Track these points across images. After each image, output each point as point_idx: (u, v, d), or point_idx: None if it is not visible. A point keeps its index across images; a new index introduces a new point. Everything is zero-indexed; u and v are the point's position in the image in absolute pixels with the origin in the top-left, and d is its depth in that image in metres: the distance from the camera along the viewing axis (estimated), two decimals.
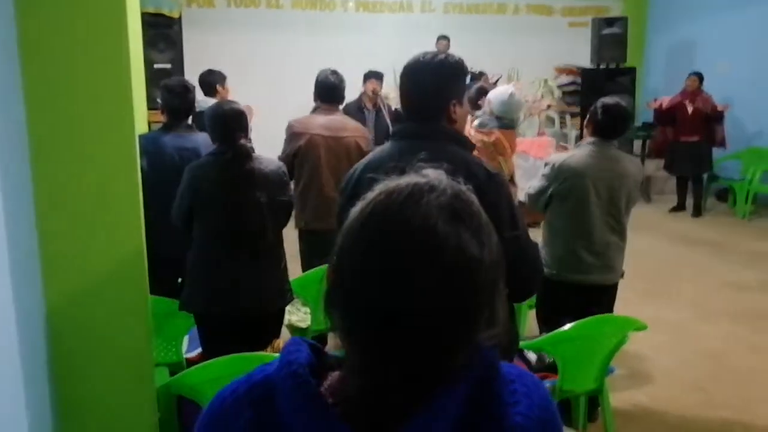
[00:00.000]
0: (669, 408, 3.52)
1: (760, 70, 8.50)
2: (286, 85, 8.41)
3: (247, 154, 2.82)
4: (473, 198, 0.79)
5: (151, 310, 2.36)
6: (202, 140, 3.27)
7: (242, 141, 2.83)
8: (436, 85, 1.90)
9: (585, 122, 3.34)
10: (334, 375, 0.81)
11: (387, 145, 1.97)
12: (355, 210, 0.79)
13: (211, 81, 5.34)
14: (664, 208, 8.44)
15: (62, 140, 1.93)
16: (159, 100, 3.52)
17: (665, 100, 8.32)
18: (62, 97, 1.92)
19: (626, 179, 3.18)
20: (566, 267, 3.21)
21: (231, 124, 2.83)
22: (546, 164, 3.29)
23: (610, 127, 3.17)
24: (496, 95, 4.49)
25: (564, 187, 3.15)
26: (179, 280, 3.18)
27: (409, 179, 0.78)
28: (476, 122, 4.55)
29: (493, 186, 1.80)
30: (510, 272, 1.89)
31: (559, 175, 3.16)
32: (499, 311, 0.80)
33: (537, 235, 2.87)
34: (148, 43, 8.21)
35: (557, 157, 3.26)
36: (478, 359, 0.78)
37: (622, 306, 4.66)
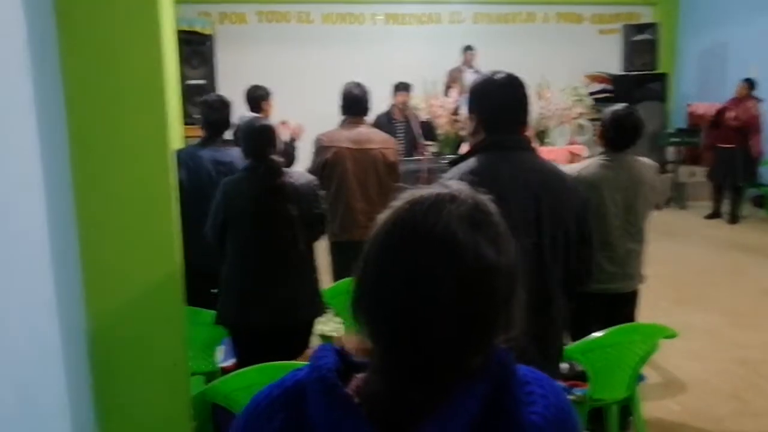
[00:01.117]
0: (703, 417, 3.48)
1: None
2: (318, 98, 8.52)
3: (278, 169, 2.89)
4: (492, 208, 0.85)
5: (186, 320, 2.43)
6: (238, 154, 3.36)
7: (274, 157, 2.91)
8: (523, 100, 2.12)
9: (598, 132, 3.32)
10: (359, 377, 0.86)
11: (490, 156, 2.05)
12: (381, 218, 0.85)
13: (258, 96, 5.45)
14: (699, 215, 8.34)
15: (101, 155, 2.01)
16: (198, 115, 3.63)
17: (699, 106, 8.23)
18: (101, 113, 1.99)
19: (642, 186, 3.14)
20: None
21: (262, 140, 2.90)
22: None
23: (620, 137, 3.13)
24: None
25: None
26: (214, 291, 3.27)
27: (432, 190, 0.84)
28: None
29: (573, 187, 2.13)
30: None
31: None
32: (516, 316, 0.84)
33: None
34: (182, 59, 8.44)
35: (571, 170, 3.23)
36: (495, 361, 0.82)
37: (655, 313, 4.63)
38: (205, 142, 3.57)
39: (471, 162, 2.05)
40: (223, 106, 3.57)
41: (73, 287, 1.99)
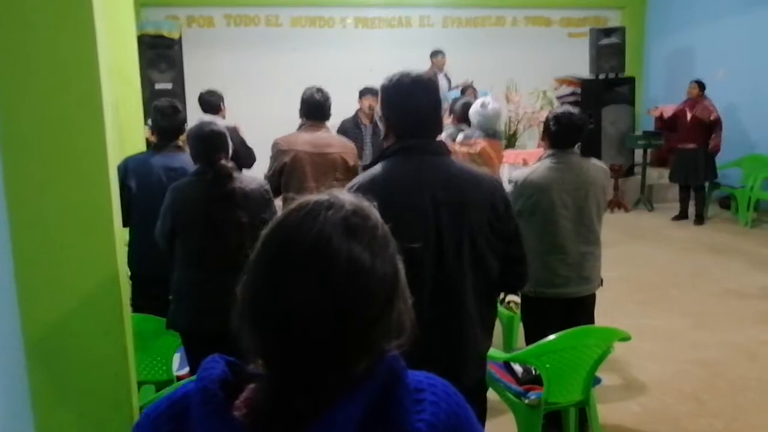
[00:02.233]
0: (661, 417, 3.50)
1: (759, 77, 8.50)
2: (287, 102, 8.50)
3: (228, 174, 2.85)
4: (372, 213, 0.86)
5: (133, 329, 2.38)
6: (190, 161, 3.32)
7: (224, 162, 2.86)
8: (437, 104, 2.07)
9: (541, 136, 3.33)
10: (250, 387, 0.85)
11: (399, 161, 1.99)
12: (266, 227, 0.86)
13: (214, 101, 5.41)
14: (666, 217, 8.42)
15: (35, 164, 1.96)
16: (149, 121, 3.58)
17: (667, 109, 8.31)
18: (34, 121, 1.95)
19: (592, 186, 3.13)
20: (542, 283, 3.13)
21: (211, 145, 2.86)
22: (510, 182, 3.28)
23: (563, 137, 3.14)
24: (473, 107, 4.57)
25: (530, 204, 3.10)
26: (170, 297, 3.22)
27: (313, 197, 0.85)
28: (460, 136, 4.59)
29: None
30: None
31: (523, 192, 3.11)
32: (404, 321, 0.85)
33: None
34: (149, 64, 8.36)
35: (519, 174, 3.22)
36: (382, 367, 0.82)
37: (619, 315, 4.68)
38: (157, 149, 3.52)
39: (375, 169, 2.00)
40: (174, 112, 3.51)
41: (6, 299, 1.93)
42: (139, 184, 3.35)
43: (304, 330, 0.78)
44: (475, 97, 7.99)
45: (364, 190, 1.91)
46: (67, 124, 1.99)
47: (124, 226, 3.30)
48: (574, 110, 3.21)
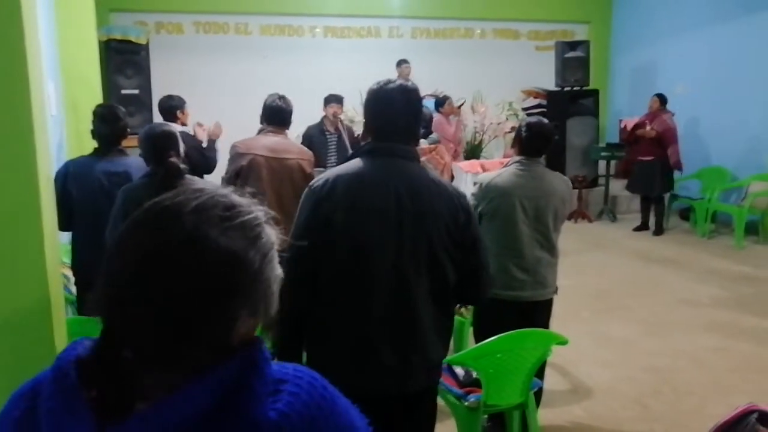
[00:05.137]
0: (604, 422, 3.57)
1: (718, 91, 8.71)
2: (255, 109, 8.51)
3: (178, 172, 2.86)
4: (237, 201, 0.88)
5: (73, 332, 2.37)
6: (135, 164, 3.32)
7: (173, 160, 2.88)
8: (418, 112, 2.15)
9: (512, 142, 3.43)
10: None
11: (368, 160, 2.06)
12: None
13: (171, 106, 5.40)
14: (628, 227, 8.57)
15: None
16: (91, 127, 3.54)
17: (630, 122, 8.48)
18: None
19: (553, 197, 3.24)
20: (499, 284, 3.24)
21: (161, 144, 2.89)
22: (475, 183, 3.36)
23: (534, 145, 3.25)
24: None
25: (492, 206, 3.22)
26: None
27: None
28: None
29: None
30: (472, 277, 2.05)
31: (487, 194, 3.23)
32: (268, 311, 0.87)
33: None
34: (116, 69, 8.33)
35: (485, 177, 3.33)
36: (238, 355, 0.83)
37: (575, 322, 4.76)
38: (99, 154, 3.49)
39: (342, 166, 2.08)
40: (115, 119, 3.49)
41: None
42: (80, 188, 3.32)
43: (139, 300, 0.79)
44: (453, 108, 8.12)
45: (330, 183, 2.00)
46: None
47: (67, 230, 3.31)
48: (546, 121, 3.34)
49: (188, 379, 0.79)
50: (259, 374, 0.84)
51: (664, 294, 5.90)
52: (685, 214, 8.89)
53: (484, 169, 6.65)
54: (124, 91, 8.32)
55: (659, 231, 8.21)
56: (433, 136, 5.02)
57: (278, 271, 0.89)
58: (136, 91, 8.45)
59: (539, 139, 3.25)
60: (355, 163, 2.07)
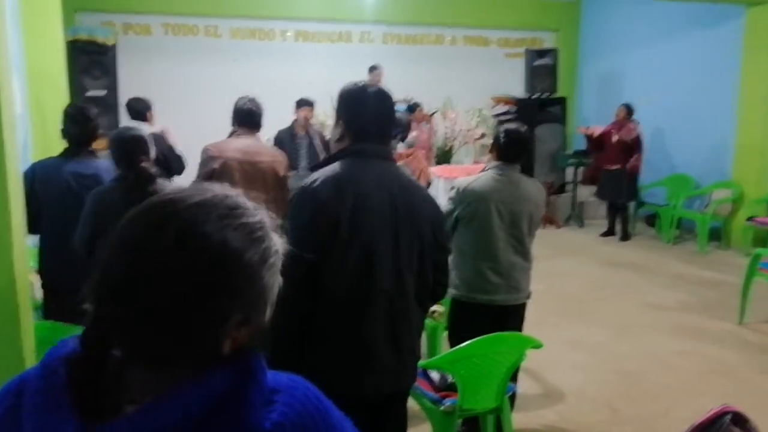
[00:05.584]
0: (577, 426, 3.60)
1: (681, 99, 8.89)
2: (224, 112, 8.43)
3: (150, 176, 2.82)
4: (243, 203, 0.86)
5: (39, 337, 2.32)
6: (104, 166, 3.25)
7: (145, 165, 2.84)
8: (393, 113, 2.21)
9: (489, 148, 3.45)
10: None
11: (355, 162, 2.06)
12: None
13: (141, 108, 5.33)
14: (595, 233, 8.68)
15: None
16: (60, 127, 3.45)
17: (596, 130, 8.60)
18: None
19: (527, 202, 3.27)
20: (474, 288, 3.27)
21: (132, 148, 2.84)
22: (452, 188, 3.38)
23: (511, 151, 3.28)
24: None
25: (468, 211, 3.23)
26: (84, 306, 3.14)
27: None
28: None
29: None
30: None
31: (464, 199, 3.24)
32: (260, 319, 0.84)
33: None
34: (82, 70, 8.19)
35: (462, 181, 3.35)
36: (234, 362, 0.81)
37: (545, 327, 4.80)
38: (68, 155, 3.39)
39: (334, 166, 2.06)
40: (85, 119, 3.40)
41: None
42: (48, 190, 3.22)
43: (134, 294, 0.77)
44: (425, 115, 8.16)
45: (328, 185, 1.99)
46: None
47: (34, 233, 3.22)
48: (523, 127, 3.37)
49: (177, 383, 0.77)
50: (255, 383, 0.82)
51: (632, 298, 5.99)
52: (651, 220, 9.05)
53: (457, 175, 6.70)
54: (90, 93, 8.19)
55: (626, 237, 8.35)
56: (410, 140, 5.06)
57: (279, 280, 0.87)
58: (102, 93, 8.32)
59: (517, 146, 3.28)
60: (348, 164, 2.06)
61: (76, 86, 7.84)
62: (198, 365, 0.79)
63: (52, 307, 3.21)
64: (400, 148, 5.05)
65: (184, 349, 0.79)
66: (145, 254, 0.78)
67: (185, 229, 0.79)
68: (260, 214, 0.87)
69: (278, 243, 0.87)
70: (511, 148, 3.29)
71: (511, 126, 3.36)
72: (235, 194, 0.87)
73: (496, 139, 3.35)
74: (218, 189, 0.86)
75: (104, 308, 0.79)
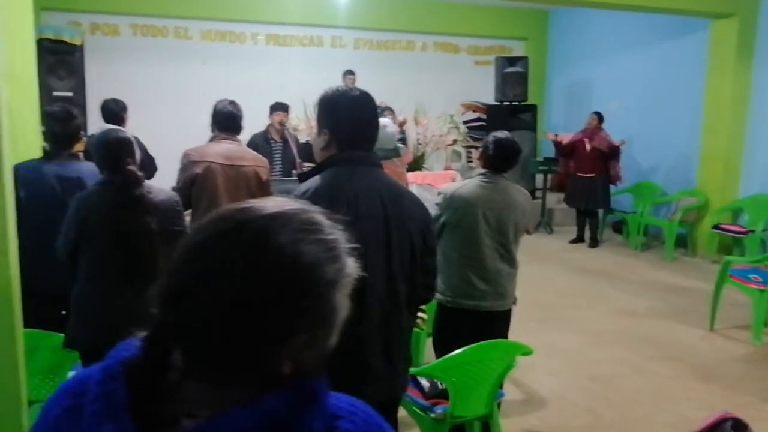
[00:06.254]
0: (559, 431, 3.63)
1: (648, 109, 9.08)
2: (194, 115, 8.33)
3: (137, 179, 2.75)
4: (321, 220, 0.85)
5: (24, 346, 2.25)
6: (87, 170, 3.16)
7: (131, 168, 2.77)
8: (376, 118, 2.16)
9: (478, 155, 3.46)
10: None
11: (348, 169, 2.04)
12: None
13: (117, 109, 5.22)
14: (564, 240, 8.79)
15: None
16: (42, 128, 3.36)
17: (565, 137, 8.70)
18: None
19: (514, 209, 3.30)
20: (460, 293, 3.29)
21: (118, 151, 2.76)
22: (439, 194, 3.39)
23: (501, 160, 3.30)
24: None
25: (455, 217, 3.25)
26: (63, 313, 3.05)
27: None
28: None
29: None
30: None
31: (451, 205, 3.26)
32: (325, 342, 0.82)
33: None
34: (48, 70, 7.98)
35: (449, 188, 3.36)
36: (294, 384, 0.78)
37: (522, 333, 4.79)
38: (50, 156, 3.29)
39: (324, 176, 2.04)
40: (69, 117, 3.31)
41: None
42: (30, 192, 3.11)
43: (197, 302, 0.75)
44: (394, 120, 8.14)
45: (321, 197, 1.94)
46: None
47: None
48: (515, 141, 3.38)
49: (233, 401, 0.75)
50: (317, 408, 0.79)
51: (603, 304, 6.07)
52: (618, 227, 9.21)
53: (430, 181, 6.71)
54: (56, 93, 7.98)
55: (594, 243, 8.48)
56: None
57: (347, 304, 0.84)
58: (69, 94, 8.12)
59: (509, 155, 3.29)
60: (338, 173, 2.04)
61: (41, 86, 7.63)
62: (255, 384, 0.76)
63: (32, 315, 3.10)
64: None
65: (242, 364, 0.76)
66: (214, 260, 0.76)
67: (259, 237, 0.77)
68: (336, 233, 0.85)
69: (351, 266, 0.84)
70: (501, 159, 3.30)
71: (502, 136, 3.35)
72: (313, 210, 0.85)
73: (485, 148, 3.36)
74: (297, 203, 0.85)
75: (168, 313, 0.77)
